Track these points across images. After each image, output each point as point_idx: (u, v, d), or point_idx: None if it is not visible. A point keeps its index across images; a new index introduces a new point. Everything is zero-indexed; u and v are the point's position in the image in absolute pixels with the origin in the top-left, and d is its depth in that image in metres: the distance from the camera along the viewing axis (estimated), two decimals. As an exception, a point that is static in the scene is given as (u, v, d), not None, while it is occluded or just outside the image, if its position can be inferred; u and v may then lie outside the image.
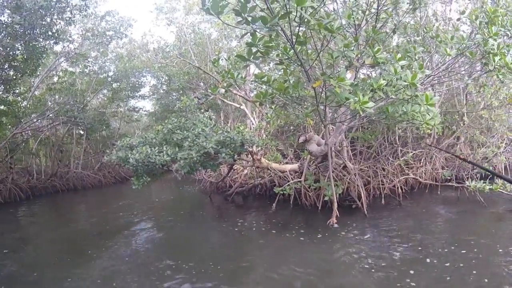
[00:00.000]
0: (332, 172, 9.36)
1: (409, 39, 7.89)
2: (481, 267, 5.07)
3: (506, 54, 5.72)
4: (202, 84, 17.65)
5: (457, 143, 12.67)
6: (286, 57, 4.52)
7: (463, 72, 8.66)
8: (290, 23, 3.75)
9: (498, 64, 5.77)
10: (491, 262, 5.29)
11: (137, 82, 22.51)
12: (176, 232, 8.51)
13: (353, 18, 5.26)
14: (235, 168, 12.38)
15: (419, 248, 6.06)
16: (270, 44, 4.14)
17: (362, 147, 11.57)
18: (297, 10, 3.48)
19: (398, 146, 11.67)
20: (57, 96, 17.76)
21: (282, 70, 4.84)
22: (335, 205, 7.92)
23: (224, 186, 13.09)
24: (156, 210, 11.24)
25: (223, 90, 6.93)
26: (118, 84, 20.75)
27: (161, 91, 22.36)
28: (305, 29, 4.20)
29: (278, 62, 4.59)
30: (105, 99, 22.67)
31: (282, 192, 9.19)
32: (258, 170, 11.37)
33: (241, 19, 3.61)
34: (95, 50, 18.54)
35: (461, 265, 5.22)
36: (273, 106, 5.34)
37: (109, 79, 20.57)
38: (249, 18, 3.60)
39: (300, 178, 9.65)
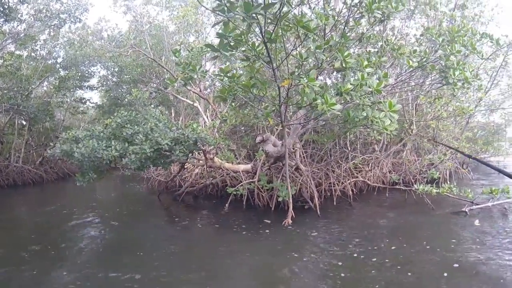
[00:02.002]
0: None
1: (370, 50, 8.22)
2: (405, 264, 5.42)
3: (465, 70, 6.29)
4: (155, 78, 17.06)
5: (404, 149, 13.37)
6: (253, 53, 4.41)
7: (413, 84, 9.18)
8: (265, 18, 3.65)
9: (457, 78, 6.27)
10: (417, 259, 5.67)
11: (86, 72, 21.09)
12: (122, 236, 7.82)
13: (324, 23, 5.30)
14: (186, 167, 12.02)
15: (359, 245, 6.36)
16: (240, 38, 4.01)
17: (313, 150, 11.81)
18: (282, 3, 3.37)
19: (351, 151, 12.05)
20: (0, 81, 16.34)
21: (247, 66, 4.71)
22: (291, 205, 7.99)
23: (174, 185, 12.62)
24: (101, 210, 10.45)
25: (177, 84, 6.66)
26: (67, 72, 19.27)
27: (111, 83, 21.21)
28: (278, 27, 4.11)
29: (244, 58, 4.45)
30: (51, 87, 21.03)
31: (234, 193, 9.10)
32: (210, 170, 11.11)
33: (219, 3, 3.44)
34: (45, 33, 17.24)
35: (387, 260, 5.56)
36: (233, 104, 5.22)
37: (58, 65, 19.19)
38: (228, 4, 3.43)
39: (253, 178, 9.61)
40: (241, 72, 6.16)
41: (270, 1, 3.44)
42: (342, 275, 5.07)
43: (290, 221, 7.75)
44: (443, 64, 6.65)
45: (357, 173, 11.67)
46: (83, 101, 23.87)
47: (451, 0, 12.12)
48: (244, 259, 6.04)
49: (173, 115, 17.30)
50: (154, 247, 6.78)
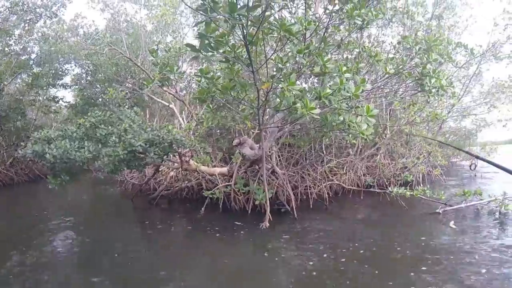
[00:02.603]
0: (262, 175, 9.45)
1: (347, 56, 8.35)
2: (374, 262, 5.63)
3: (441, 78, 6.52)
4: (130, 77, 16.68)
5: (377, 153, 13.62)
6: (233, 55, 4.36)
7: (387, 90, 9.39)
8: (247, 20, 3.61)
9: (433, 86, 6.49)
10: (386, 257, 5.91)
11: (60, 69, 20.42)
12: (94, 241, 7.50)
13: (305, 27, 5.33)
14: (161, 170, 11.71)
15: (332, 246, 6.52)
16: (221, 39, 3.96)
17: (289, 153, 11.86)
18: (266, 6, 3.33)
19: (326, 155, 12.16)
20: (-29, 77, 15.58)
21: (227, 68, 4.67)
22: (268, 208, 7.98)
23: (148, 188, 12.29)
24: (73, 214, 10.11)
25: (154, 85, 6.55)
26: (40, 69, 18.66)
27: (85, 82, 20.57)
28: (260, 30, 4.09)
29: (223, 59, 4.40)
30: (24, 84, 20.31)
31: (211, 196, 8.99)
32: (185, 173, 10.96)
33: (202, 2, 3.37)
34: (19, 28, 16.61)
35: (355, 261, 5.70)
36: (211, 106, 5.17)
37: (31, 62, 18.53)
38: (211, 4, 3.36)
39: (229, 181, 9.53)
40: (219, 74, 6.12)
41: (254, 3, 3.40)
42: (313, 273, 5.21)
43: (268, 224, 7.74)
44: (419, 71, 6.83)
45: (332, 177, 11.77)
46: (56, 100, 22.97)
47: (428, 10, 12.48)
48: (218, 259, 6.06)
49: (147, 116, 17.01)
50: (126, 250, 6.65)
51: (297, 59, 4.65)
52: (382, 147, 13.36)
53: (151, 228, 8.47)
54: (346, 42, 7.29)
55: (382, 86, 8.27)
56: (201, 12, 3.44)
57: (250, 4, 3.42)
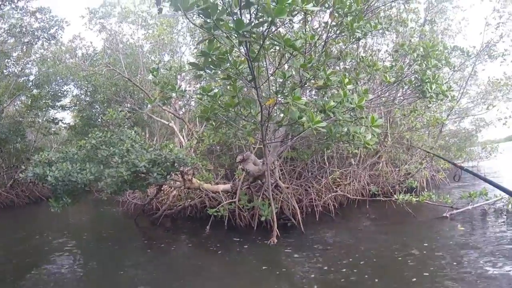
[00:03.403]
0: (266, 191, 9.37)
1: (346, 67, 8.41)
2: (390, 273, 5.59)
3: (441, 83, 6.56)
4: (129, 97, 16.69)
5: (379, 161, 13.58)
6: (235, 72, 4.35)
7: (385, 99, 9.41)
8: (251, 36, 3.61)
9: (434, 92, 6.52)
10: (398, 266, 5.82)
11: (59, 91, 20.50)
12: (100, 264, 7.34)
13: (308, 41, 5.35)
14: (163, 189, 11.59)
15: (345, 259, 6.35)
16: (223, 56, 3.95)
17: (291, 166, 11.82)
18: (271, 22, 3.32)
19: (329, 166, 12.11)
20: (-30, 100, 15.59)
21: (230, 85, 4.66)
22: (275, 224, 7.88)
23: (151, 208, 12.12)
24: (76, 236, 10.07)
25: (156, 103, 6.54)
26: (39, 90, 18.65)
27: (84, 102, 20.64)
28: (263, 46, 4.08)
29: (225, 76, 4.39)
30: (23, 106, 20.32)
31: (215, 214, 8.90)
32: (188, 191, 10.86)
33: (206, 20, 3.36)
34: (17, 50, 16.68)
35: (369, 270, 5.68)
36: (213, 123, 5.16)
37: (30, 83, 18.57)
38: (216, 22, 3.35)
39: (233, 198, 9.43)
40: (218, 90, 6.13)
41: (260, 20, 3.39)
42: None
43: (276, 240, 7.62)
44: (419, 78, 6.84)
45: (336, 188, 11.71)
46: (56, 121, 23.01)
47: (420, 16, 12.57)
48: (227, 279, 5.93)
49: (147, 135, 16.96)
50: (133, 271, 6.55)
51: (300, 73, 4.64)
52: (383, 155, 13.33)
53: (157, 248, 8.37)
54: (344, 53, 7.32)
55: (382, 95, 8.29)
56: (205, 29, 3.42)
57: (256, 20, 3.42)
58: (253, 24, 3.40)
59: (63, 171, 7.12)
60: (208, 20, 3.36)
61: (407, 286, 5.01)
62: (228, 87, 4.78)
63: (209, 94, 4.86)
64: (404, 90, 10.01)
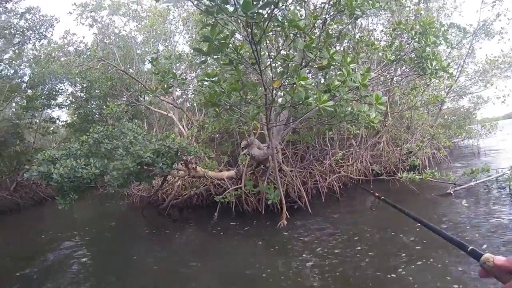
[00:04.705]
0: (271, 175, 9.43)
1: (343, 47, 8.38)
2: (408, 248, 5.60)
3: (441, 59, 6.54)
4: (125, 90, 16.53)
5: (380, 141, 13.63)
6: (237, 56, 4.32)
7: (383, 79, 9.41)
8: (259, 18, 3.57)
9: (435, 68, 6.52)
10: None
11: (53, 89, 20.29)
12: (113, 258, 7.38)
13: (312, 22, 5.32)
14: (167, 179, 11.59)
15: (352, 238, 6.48)
16: (225, 41, 3.92)
17: (293, 149, 11.87)
18: (277, 2, 3.29)
19: (330, 148, 12.16)
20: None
21: (231, 70, 4.62)
22: (284, 206, 7.97)
23: (157, 199, 12.09)
24: (85, 232, 10.12)
25: (152, 96, 6.52)
26: (34, 91, 18.49)
27: (80, 99, 20.41)
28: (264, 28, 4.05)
29: (226, 62, 4.36)
30: (19, 108, 20.14)
31: (222, 200, 8.95)
32: (192, 180, 10.88)
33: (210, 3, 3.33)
34: (9, 51, 16.48)
35: (388, 247, 5.83)
36: (217, 109, 5.14)
37: (24, 85, 18.37)
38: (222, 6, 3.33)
39: (237, 184, 9.50)
40: (220, 76, 6.09)
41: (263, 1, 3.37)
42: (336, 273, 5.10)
43: (285, 222, 7.71)
44: (419, 55, 6.84)
45: (339, 169, 11.77)
46: (53, 120, 22.79)
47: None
48: (243, 261, 6.01)
49: (146, 127, 16.88)
50: (150, 263, 6.59)
51: (304, 54, 4.62)
52: (384, 135, 13.37)
53: (167, 236, 8.47)
54: (343, 34, 7.29)
55: (383, 74, 8.29)
56: (209, 14, 3.39)
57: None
58: (259, 5, 3.37)
59: (68, 168, 7.06)
60: (212, 4, 3.33)
61: (413, 264, 5.06)
62: (230, 72, 4.74)
63: (213, 80, 4.82)
64: (402, 68, 10.02)
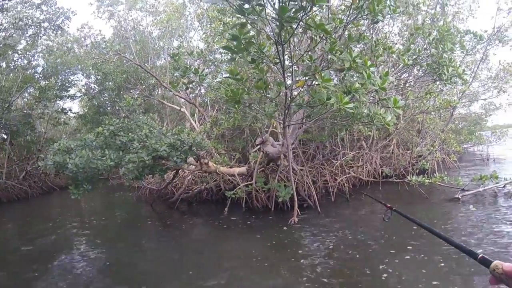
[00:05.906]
0: (281, 172, 9.51)
1: (361, 50, 8.42)
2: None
3: (457, 66, 6.63)
4: (139, 84, 16.68)
5: (390, 144, 13.65)
6: (261, 55, 4.40)
7: (395, 82, 9.42)
8: (292, 22, 3.66)
9: (451, 74, 6.61)
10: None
11: (67, 81, 20.49)
12: (121, 251, 7.31)
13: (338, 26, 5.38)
14: (178, 173, 11.71)
15: (361, 238, 6.59)
16: (252, 40, 4.01)
17: (303, 149, 11.94)
18: (310, 7, 3.37)
19: (341, 149, 12.21)
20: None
21: (254, 69, 4.70)
22: (296, 204, 8.07)
23: (167, 193, 12.18)
24: (94, 224, 10.10)
25: (173, 91, 6.60)
26: (47, 81, 18.66)
27: (93, 91, 20.61)
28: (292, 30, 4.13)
29: (249, 60, 4.44)
30: (31, 98, 20.35)
31: (232, 196, 9.04)
32: (202, 175, 10.99)
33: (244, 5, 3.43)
34: (23, 42, 16.63)
35: (393, 250, 5.79)
36: (237, 106, 5.21)
37: (37, 75, 18.54)
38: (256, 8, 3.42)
39: (248, 181, 9.59)
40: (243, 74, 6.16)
41: (302, 4, 3.44)
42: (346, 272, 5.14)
43: (296, 219, 7.80)
44: (435, 61, 6.88)
45: (349, 169, 11.82)
46: (65, 111, 22.96)
47: (433, -1, 12.45)
48: (252, 259, 6.01)
49: (157, 121, 16.99)
50: (161, 257, 6.68)
51: (329, 56, 4.69)
52: (395, 138, 13.39)
53: (177, 229, 8.57)
54: (362, 37, 7.33)
55: (396, 77, 8.34)
56: (241, 14, 3.47)
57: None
58: (294, 10, 3.45)
59: (83, 158, 7.17)
60: (247, 6, 3.41)
61: (420, 265, 5.14)
62: (254, 70, 4.81)
63: (236, 77, 4.89)
64: (415, 73, 10.00)
